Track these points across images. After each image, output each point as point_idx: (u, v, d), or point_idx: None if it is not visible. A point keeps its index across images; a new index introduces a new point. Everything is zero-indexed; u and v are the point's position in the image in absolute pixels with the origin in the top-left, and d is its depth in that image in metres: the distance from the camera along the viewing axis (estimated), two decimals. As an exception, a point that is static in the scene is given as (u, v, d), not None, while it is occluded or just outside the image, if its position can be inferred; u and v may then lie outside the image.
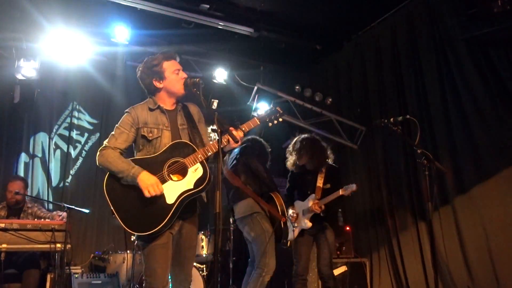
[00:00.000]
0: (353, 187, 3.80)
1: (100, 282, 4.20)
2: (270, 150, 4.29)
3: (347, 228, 6.06)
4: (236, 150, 4.05)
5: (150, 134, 2.68)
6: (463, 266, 4.82)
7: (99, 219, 5.82)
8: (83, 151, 6.17)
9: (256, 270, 3.72)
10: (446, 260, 4.99)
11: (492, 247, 4.57)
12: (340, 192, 3.83)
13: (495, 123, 4.67)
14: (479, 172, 4.79)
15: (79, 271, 4.65)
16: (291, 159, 4.27)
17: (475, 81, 4.87)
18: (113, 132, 2.70)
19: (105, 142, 2.68)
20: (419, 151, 3.12)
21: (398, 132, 3.30)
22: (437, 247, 4.98)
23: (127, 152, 2.69)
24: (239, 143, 2.67)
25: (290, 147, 4.28)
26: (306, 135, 4.35)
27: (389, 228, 5.95)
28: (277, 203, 3.93)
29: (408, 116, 3.36)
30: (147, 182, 2.49)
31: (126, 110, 2.76)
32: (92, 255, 5.20)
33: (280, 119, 2.79)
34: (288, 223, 4.21)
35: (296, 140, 4.28)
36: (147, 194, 2.48)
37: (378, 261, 6.09)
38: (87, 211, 4.53)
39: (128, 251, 4.72)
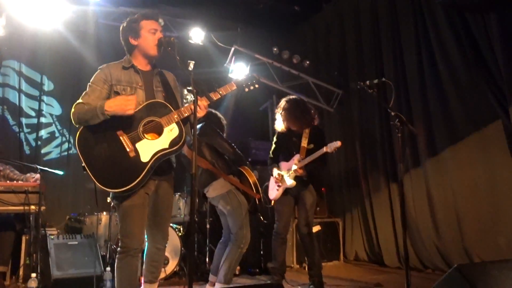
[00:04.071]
0: (337, 143, 3.87)
1: (76, 242, 4.18)
2: (225, 122, 4.17)
3: (322, 190, 6.21)
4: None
5: (124, 92, 2.65)
6: (431, 225, 5.04)
7: (74, 182, 5.76)
8: (55, 115, 6.03)
9: (233, 242, 3.72)
10: (416, 220, 5.21)
11: (459, 207, 4.78)
12: (324, 149, 3.90)
13: (469, 88, 4.76)
14: (451, 136, 4.92)
15: (55, 232, 4.62)
16: (278, 120, 4.31)
17: (451, 46, 4.92)
18: (86, 90, 2.67)
19: (77, 101, 2.64)
20: (393, 113, 3.17)
21: (374, 95, 3.33)
22: (407, 207, 5.19)
23: None
24: (206, 110, 2.68)
25: (277, 109, 4.31)
26: (291, 97, 4.36)
27: (362, 189, 6.13)
28: (249, 179, 3.88)
29: (384, 79, 3.38)
30: (118, 104, 2.47)
31: (99, 67, 2.72)
32: (68, 216, 5.17)
33: (256, 86, 2.86)
34: (271, 185, 4.29)
35: (281, 102, 4.30)
36: (130, 112, 2.47)
37: (351, 221, 6.31)
38: (61, 172, 4.47)
39: (104, 212, 4.72)
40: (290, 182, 4.07)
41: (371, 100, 5.95)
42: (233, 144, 3.90)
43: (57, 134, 6.03)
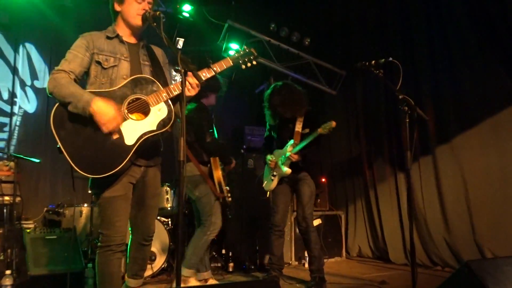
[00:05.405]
0: (332, 123, 3.88)
1: (55, 237, 4.15)
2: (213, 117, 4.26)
3: (323, 180, 6.21)
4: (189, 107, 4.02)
5: (106, 63, 2.58)
6: (441, 218, 5.05)
7: (52, 171, 5.72)
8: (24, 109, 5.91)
9: (201, 228, 3.81)
10: (424, 212, 5.21)
11: (470, 198, 4.78)
12: (319, 130, 3.92)
13: (482, 70, 4.74)
14: (462, 121, 4.91)
15: (32, 225, 4.61)
16: (268, 112, 4.27)
17: (465, 25, 4.88)
18: (65, 57, 2.55)
19: (56, 68, 2.52)
20: (400, 96, 3.14)
21: (380, 76, 3.30)
22: (415, 198, 5.20)
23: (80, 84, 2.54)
24: (198, 88, 2.62)
25: (267, 98, 4.26)
26: (281, 83, 4.31)
27: (366, 179, 6.13)
28: (214, 175, 3.92)
29: (390, 59, 3.33)
30: (105, 114, 2.36)
31: (80, 35, 2.63)
32: (45, 208, 5.15)
33: (254, 62, 2.78)
34: (266, 174, 4.30)
35: (272, 91, 4.24)
36: (105, 131, 2.39)
37: (354, 213, 6.32)
38: (37, 160, 4.43)
39: (85, 204, 4.70)
40: (285, 169, 4.07)
41: (376, 82, 5.92)
42: (216, 135, 4.00)
43: (5, 129, 5.71)
